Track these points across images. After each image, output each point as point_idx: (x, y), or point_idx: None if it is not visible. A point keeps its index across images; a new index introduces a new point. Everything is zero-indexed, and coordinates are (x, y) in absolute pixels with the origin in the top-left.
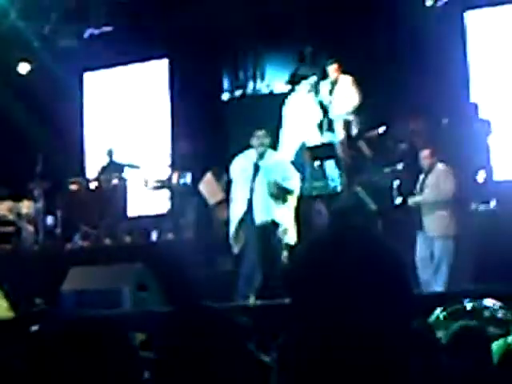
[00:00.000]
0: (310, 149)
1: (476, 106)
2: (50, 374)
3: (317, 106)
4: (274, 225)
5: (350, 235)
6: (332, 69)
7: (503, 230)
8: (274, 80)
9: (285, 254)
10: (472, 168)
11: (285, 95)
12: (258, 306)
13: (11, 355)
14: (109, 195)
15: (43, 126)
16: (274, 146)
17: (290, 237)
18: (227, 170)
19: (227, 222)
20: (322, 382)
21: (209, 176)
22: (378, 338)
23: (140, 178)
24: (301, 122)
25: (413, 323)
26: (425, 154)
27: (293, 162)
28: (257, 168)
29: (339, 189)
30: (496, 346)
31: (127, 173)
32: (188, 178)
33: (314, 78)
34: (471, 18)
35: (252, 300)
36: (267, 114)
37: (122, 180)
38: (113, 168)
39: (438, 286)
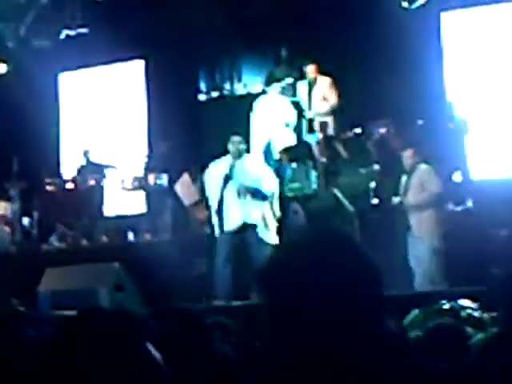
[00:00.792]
0: (287, 150)
1: (452, 105)
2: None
3: (291, 107)
4: (250, 226)
5: (325, 237)
6: (310, 70)
7: (479, 230)
8: (250, 81)
9: (265, 254)
10: (449, 167)
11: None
12: (236, 307)
13: None
14: (85, 196)
15: (19, 126)
16: (248, 149)
17: (271, 237)
18: (203, 171)
19: (203, 223)
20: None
21: (185, 177)
22: (351, 340)
23: (117, 178)
24: (271, 123)
25: (385, 324)
26: (407, 154)
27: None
28: (231, 173)
29: (316, 190)
30: (472, 343)
31: (104, 173)
32: (164, 179)
33: (289, 80)
34: (446, 19)
35: (227, 301)
36: (244, 115)
37: (99, 180)
38: (89, 169)
39: (417, 286)
